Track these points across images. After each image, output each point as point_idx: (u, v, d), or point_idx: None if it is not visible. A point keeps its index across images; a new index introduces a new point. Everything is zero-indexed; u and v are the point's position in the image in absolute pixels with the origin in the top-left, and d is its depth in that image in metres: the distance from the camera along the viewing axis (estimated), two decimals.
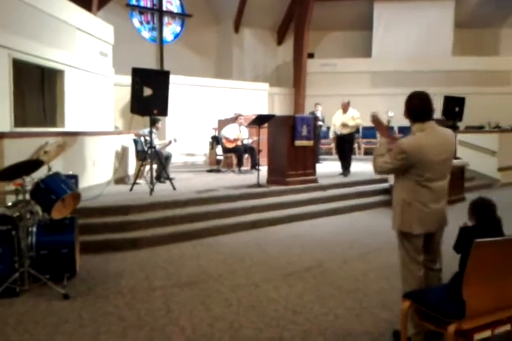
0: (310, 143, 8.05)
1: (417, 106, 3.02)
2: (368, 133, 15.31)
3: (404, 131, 14.82)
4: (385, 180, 8.98)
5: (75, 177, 5.32)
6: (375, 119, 3.28)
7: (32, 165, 4.02)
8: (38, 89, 8.18)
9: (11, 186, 4.52)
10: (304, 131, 7.94)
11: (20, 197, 4.27)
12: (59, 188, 4.14)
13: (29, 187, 4.14)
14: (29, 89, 7.86)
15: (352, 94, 15.38)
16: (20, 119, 7.34)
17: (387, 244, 5.61)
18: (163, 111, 7.13)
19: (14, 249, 3.99)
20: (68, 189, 4.20)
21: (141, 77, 6.92)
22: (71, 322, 3.44)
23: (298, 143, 7.88)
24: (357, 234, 6.27)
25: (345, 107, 9.44)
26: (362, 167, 10.35)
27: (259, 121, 7.80)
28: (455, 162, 9.02)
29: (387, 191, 8.68)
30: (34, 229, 4.27)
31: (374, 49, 16.04)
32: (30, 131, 6.75)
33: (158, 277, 4.46)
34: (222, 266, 4.84)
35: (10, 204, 4.51)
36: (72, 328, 3.32)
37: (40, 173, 4.31)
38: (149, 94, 6.94)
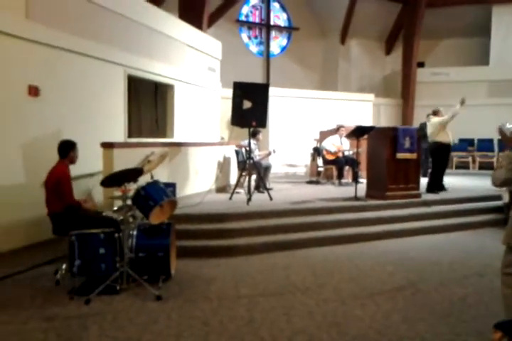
0: (413, 155, 7.72)
1: None
2: (484, 145, 14.36)
3: None
4: (499, 198, 8.33)
5: (173, 186, 5.64)
6: (501, 132, 3.42)
7: (133, 173, 4.34)
8: (151, 102, 8.80)
9: (117, 192, 4.92)
10: (407, 143, 7.64)
11: (125, 202, 4.64)
12: (157, 195, 4.42)
13: (131, 194, 4.48)
14: (143, 102, 8.50)
15: (467, 105, 14.54)
16: (134, 130, 7.97)
17: (491, 268, 5.21)
18: (262, 123, 7.30)
19: (116, 250, 4.32)
20: (166, 196, 4.47)
21: (241, 91, 7.15)
22: (160, 322, 3.63)
23: (400, 155, 7.60)
24: (458, 254, 5.87)
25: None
26: (474, 182, 9.71)
27: (359, 132, 7.66)
28: None
29: (500, 209, 8.04)
30: (135, 232, 4.58)
31: (492, 56, 15.04)
32: (137, 142, 7.28)
33: (247, 285, 4.55)
34: (311, 278, 4.81)
35: (116, 208, 4.91)
36: (159, 329, 3.51)
37: (143, 181, 4.64)
38: (248, 107, 7.15)
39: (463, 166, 14.21)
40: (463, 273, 5.10)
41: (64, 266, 4.48)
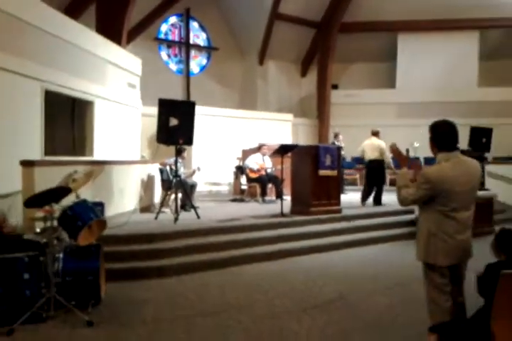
0: (334, 172, 8.05)
1: (443, 135, 3.01)
2: (395, 163, 15.17)
3: (430, 161, 14.72)
4: (411, 212, 8.87)
5: (101, 205, 5.43)
6: (394, 149, 3.29)
7: (60, 192, 4.13)
8: (69, 119, 8.46)
9: (40, 213, 4.65)
10: (328, 160, 7.96)
11: (49, 223, 4.39)
12: (85, 215, 4.23)
13: (57, 214, 4.25)
14: (60, 119, 8.14)
15: (377, 125, 15.35)
16: (50, 148, 7.57)
17: (412, 277, 5.47)
18: (189, 141, 7.28)
19: (41, 275, 4.06)
20: (94, 216, 4.29)
21: (167, 108, 7.11)
22: None
23: (322, 172, 7.89)
24: (381, 266, 6.16)
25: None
26: (389, 197, 10.24)
27: (283, 150, 7.86)
28: (483, 193, 8.94)
29: (412, 223, 8.56)
30: (61, 255, 4.34)
31: (398, 80, 16.16)
32: (59, 160, 6.94)
33: (182, 306, 4.46)
34: (245, 296, 4.81)
35: (38, 230, 4.61)
36: None
37: (69, 201, 4.43)
38: (175, 124, 7.10)
39: None
40: (386, 283, 5.35)
41: None
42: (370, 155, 9.44)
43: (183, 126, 7.16)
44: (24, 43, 6.84)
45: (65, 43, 7.87)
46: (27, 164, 5.22)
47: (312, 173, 7.86)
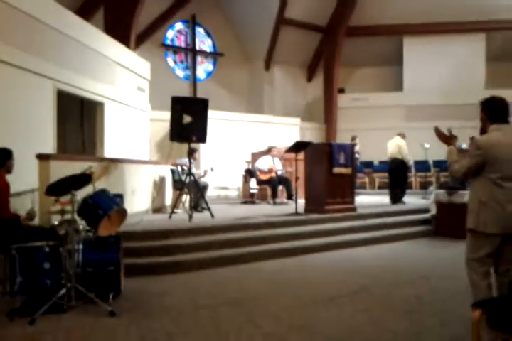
0: (348, 170, 7.96)
1: (497, 107, 3.23)
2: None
3: (439, 165, 14.62)
4: (427, 211, 8.76)
5: (120, 197, 5.35)
6: (438, 132, 3.46)
7: (81, 179, 4.05)
8: (79, 119, 8.43)
9: (57, 206, 4.57)
10: (342, 158, 7.87)
11: (66, 216, 4.31)
12: (106, 204, 4.15)
13: (76, 205, 4.17)
14: (71, 118, 8.12)
15: (385, 128, 15.42)
16: (62, 147, 7.53)
17: (435, 271, 5.45)
18: (202, 138, 7.21)
19: (61, 265, 3.97)
20: (115, 205, 4.21)
21: (180, 106, 7.04)
22: (119, 337, 3.35)
23: (336, 170, 7.79)
24: (401, 261, 6.04)
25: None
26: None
27: (297, 147, 7.79)
28: None
29: (427, 221, 8.44)
30: (80, 246, 4.25)
31: (405, 83, 16.14)
32: (74, 155, 6.89)
33: (203, 297, 4.35)
34: (267, 288, 4.70)
35: (56, 223, 4.54)
36: None
37: (87, 193, 4.34)
38: (188, 122, 7.04)
39: (385, 186, 14.84)
40: (408, 277, 5.23)
41: None
42: (390, 153, 9.58)
43: (196, 124, 7.09)
44: (39, 43, 6.85)
45: (78, 44, 7.89)
46: (43, 157, 5.18)
47: (326, 171, 7.76)
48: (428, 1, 14.70)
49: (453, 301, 4.18)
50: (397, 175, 9.60)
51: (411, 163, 9.67)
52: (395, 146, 9.56)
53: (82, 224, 4.42)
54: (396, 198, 9.64)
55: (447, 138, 3.43)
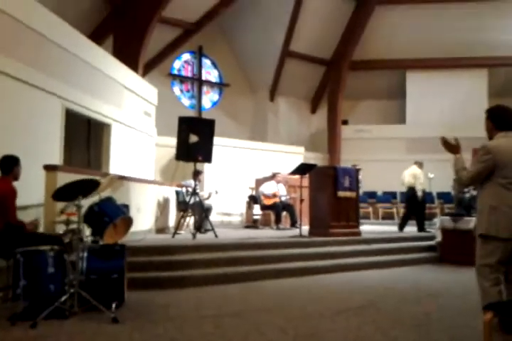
0: (353, 194, 7.96)
1: (503, 114, 3.29)
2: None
3: (443, 196, 14.61)
4: (432, 238, 8.69)
5: (127, 207, 5.34)
6: (444, 141, 3.48)
7: (89, 184, 4.05)
8: (86, 139, 8.51)
9: (62, 216, 4.56)
10: (347, 182, 7.89)
11: (71, 226, 4.30)
12: (112, 212, 4.17)
13: (82, 213, 4.17)
14: (77, 138, 8.19)
15: (388, 160, 15.53)
16: (67, 164, 7.56)
17: (443, 290, 5.37)
18: (208, 158, 7.26)
19: (65, 271, 3.93)
20: (121, 213, 4.21)
21: (187, 125, 7.15)
22: (123, 339, 3.27)
23: (341, 193, 7.79)
24: (407, 283, 5.95)
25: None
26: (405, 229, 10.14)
27: (302, 170, 7.82)
28: None
29: (433, 248, 8.36)
30: (85, 254, 4.21)
31: (408, 116, 16.33)
32: (81, 169, 6.91)
33: (208, 308, 4.27)
34: (272, 302, 4.63)
35: (61, 232, 4.52)
36: None
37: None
38: (194, 141, 7.11)
39: (388, 217, 14.81)
40: (416, 295, 5.16)
41: (0, 295, 4.00)
42: (407, 182, 9.57)
43: (202, 144, 7.17)
44: (49, 62, 7.00)
45: (86, 65, 8.05)
46: (50, 168, 5.21)
47: (331, 194, 7.77)
48: (431, 36, 15.08)
49: (462, 318, 4.09)
50: (413, 204, 9.54)
51: (419, 193, 9.57)
52: (410, 175, 9.55)
53: (87, 232, 4.41)
54: (420, 227, 9.60)
55: (453, 148, 3.46)
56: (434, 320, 4.05)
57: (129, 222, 4.35)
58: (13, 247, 3.90)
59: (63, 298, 3.76)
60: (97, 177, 5.15)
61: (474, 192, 8.12)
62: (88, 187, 4.05)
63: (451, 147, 3.46)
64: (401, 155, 15.54)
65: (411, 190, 9.47)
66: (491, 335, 2.61)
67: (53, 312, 3.66)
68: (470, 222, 7.52)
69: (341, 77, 16.18)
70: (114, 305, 4.01)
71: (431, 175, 11.70)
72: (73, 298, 3.83)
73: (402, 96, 16.48)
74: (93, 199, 4.51)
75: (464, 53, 15.27)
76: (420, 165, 9.81)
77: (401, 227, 9.74)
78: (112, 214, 4.12)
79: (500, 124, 3.27)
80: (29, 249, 3.84)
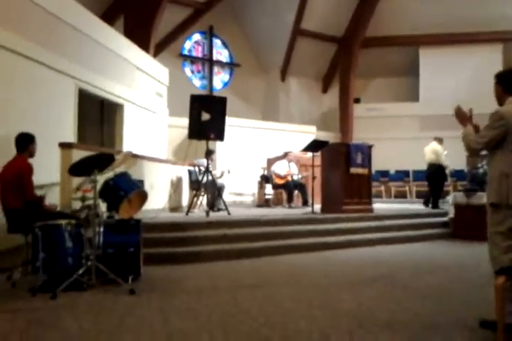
0: (365, 171, 7.94)
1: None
2: (419, 176, 15.05)
3: (457, 174, 14.50)
4: (444, 214, 8.67)
5: (141, 182, 5.40)
6: (459, 110, 3.32)
7: (104, 159, 4.10)
8: (97, 120, 8.55)
9: (78, 193, 4.63)
10: (359, 158, 7.86)
11: (87, 202, 4.38)
12: (127, 186, 4.23)
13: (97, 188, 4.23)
14: (91, 119, 8.23)
15: (401, 138, 15.42)
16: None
17: (456, 263, 5.38)
18: (220, 136, 7.26)
19: (83, 245, 4.01)
20: (136, 187, 4.26)
21: (199, 103, 7.14)
22: (141, 308, 3.37)
23: (353, 170, 7.78)
24: (420, 257, 5.98)
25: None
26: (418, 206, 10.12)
27: (314, 147, 7.80)
28: None
29: (445, 224, 8.36)
30: (101, 229, 4.29)
31: (421, 93, 16.11)
32: (95, 146, 6.98)
33: (222, 281, 4.35)
34: (285, 276, 4.68)
35: (78, 208, 4.60)
36: (142, 313, 3.25)
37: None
38: (207, 119, 7.11)
39: (401, 195, 14.77)
40: (429, 267, 5.19)
41: (20, 269, 4.11)
42: (428, 158, 9.49)
43: (215, 121, 7.17)
44: (62, 42, 7.01)
45: (101, 47, 8.04)
46: (65, 146, 5.27)
47: (343, 171, 7.76)
48: (444, 11, 14.77)
49: (475, 288, 4.12)
50: (435, 181, 9.50)
51: (450, 168, 9.54)
52: (431, 152, 9.48)
53: (103, 207, 4.48)
54: (434, 204, 9.55)
55: (465, 119, 3.31)
56: (447, 291, 4.08)
57: (143, 196, 4.40)
58: (31, 222, 3.98)
59: (81, 271, 3.84)
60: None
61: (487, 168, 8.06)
62: (104, 161, 4.10)
63: (463, 118, 3.33)
64: (414, 133, 15.42)
65: (432, 167, 9.39)
66: (503, 300, 2.63)
67: (72, 284, 3.75)
68: (483, 197, 7.47)
69: (353, 54, 15.97)
70: (130, 278, 4.11)
71: (444, 152, 11.63)
72: (91, 271, 3.92)
73: (415, 74, 16.23)
74: (108, 175, 4.58)
75: (478, 28, 14.93)
76: (440, 141, 9.67)
77: (427, 203, 9.84)
78: (127, 189, 4.17)
79: (511, 87, 3.14)
80: (47, 223, 3.91)
